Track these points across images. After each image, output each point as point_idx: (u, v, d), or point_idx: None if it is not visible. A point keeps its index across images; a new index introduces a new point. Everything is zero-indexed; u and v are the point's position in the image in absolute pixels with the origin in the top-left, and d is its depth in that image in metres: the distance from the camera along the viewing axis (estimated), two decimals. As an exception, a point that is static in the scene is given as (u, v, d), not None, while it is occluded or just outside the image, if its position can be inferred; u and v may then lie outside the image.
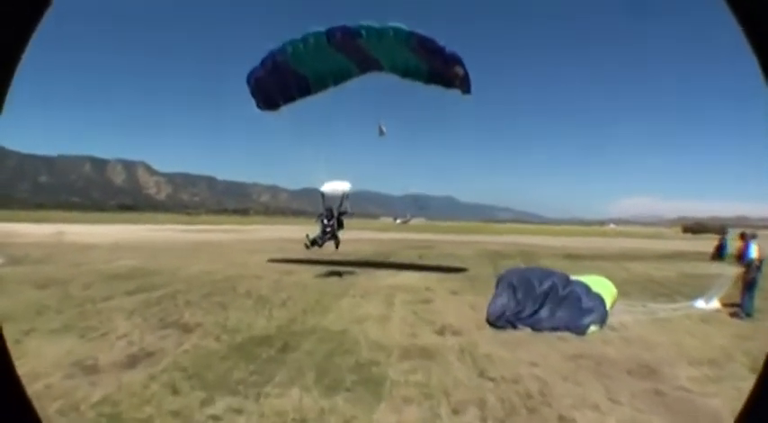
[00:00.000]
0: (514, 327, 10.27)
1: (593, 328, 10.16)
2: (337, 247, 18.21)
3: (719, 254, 29.60)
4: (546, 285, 11.08)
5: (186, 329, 9.59)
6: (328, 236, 17.50)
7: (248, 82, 17.43)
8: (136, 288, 14.06)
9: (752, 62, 1.57)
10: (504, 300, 10.96)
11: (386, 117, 17.34)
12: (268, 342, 8.78)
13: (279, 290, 14.81)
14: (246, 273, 18.45)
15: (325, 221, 17.70)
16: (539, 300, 10.85)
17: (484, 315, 10.94)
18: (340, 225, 18.03)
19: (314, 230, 18.26)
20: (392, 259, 25.24)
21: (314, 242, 17.57)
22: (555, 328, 10.07)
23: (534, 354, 8.47)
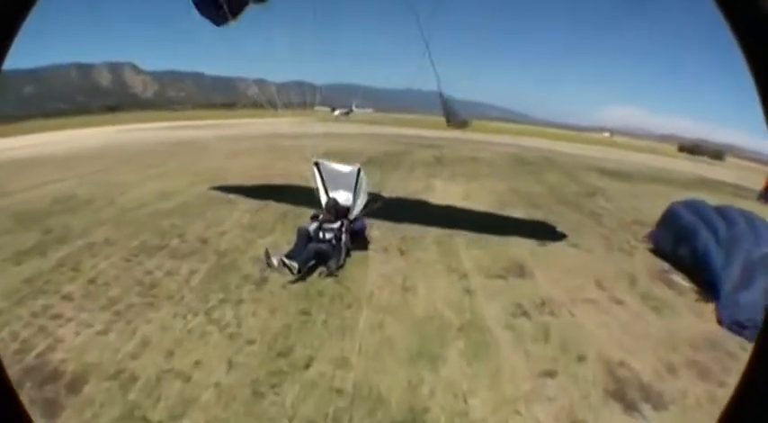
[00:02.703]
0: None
1: None
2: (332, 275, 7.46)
3: None
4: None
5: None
6: (340, 261, 7.61)
7: None
8: (35, 244, 8.62)
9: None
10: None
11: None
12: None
13: (259, 229, 9.57)
14: (215, 192, 12.99)
15: (327, 233, 7.91)
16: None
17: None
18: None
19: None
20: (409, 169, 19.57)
21: (298, 271, 7.12)
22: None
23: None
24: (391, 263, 7.83)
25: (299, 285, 6.77)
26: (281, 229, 9.70)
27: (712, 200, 16.62)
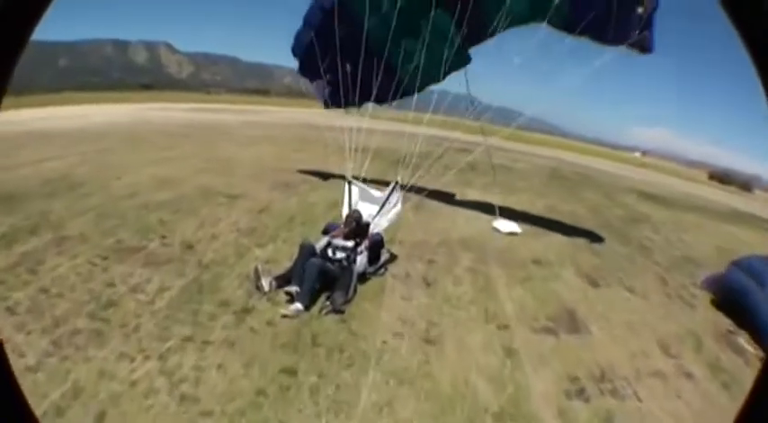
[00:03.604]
0: None
1: None
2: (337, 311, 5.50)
3: None
4: None
5: None
6: (349, 293, 5.75)
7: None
8: (5, 232, 7.21)
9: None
10: None
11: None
12: None
13: (258, 234, 8.01)
14: (219, 185, 11.33)
15: (338, 252, 6.30)
16: None
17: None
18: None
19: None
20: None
21: (293, 299, 5.48)
22: None
23: None
24: (413, 299, 6.09)
25: (290, 323, 5.13)
26: (284, 236, 8.09)
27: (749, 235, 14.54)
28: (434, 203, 11.31)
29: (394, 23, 8.35)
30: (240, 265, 6.54)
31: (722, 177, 58.45)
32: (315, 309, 5.50)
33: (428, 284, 6.62)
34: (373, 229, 7.00)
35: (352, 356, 4.60)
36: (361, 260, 6.30)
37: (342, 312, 5.41)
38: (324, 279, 5.77)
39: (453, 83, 10.29)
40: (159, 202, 9.47)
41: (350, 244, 6.30)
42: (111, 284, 5.77)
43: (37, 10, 1.23)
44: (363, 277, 6.41)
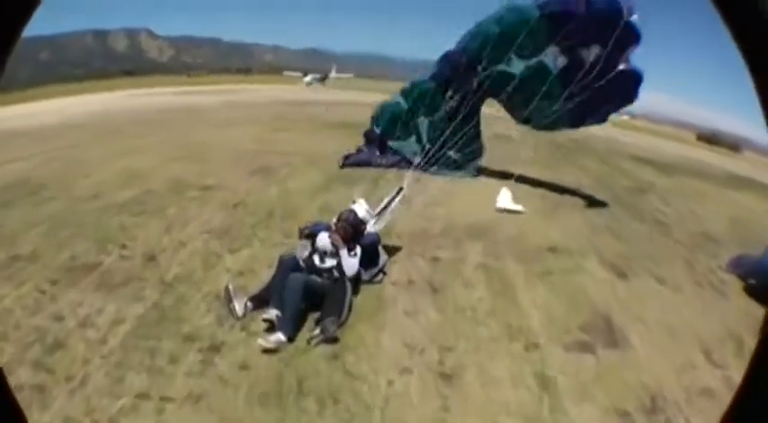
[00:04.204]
0: None
1: None
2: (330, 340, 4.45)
3: None
4: None
5: None
6: (342, 314, 4.70)
7: None
8: None
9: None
10: None
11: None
12: None
13: (233, 235, 6.92)
14: (191, 175, 10.14)
15: (326, 260, 5.25)
16: None
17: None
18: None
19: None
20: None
21: (273, 325, 4.49)
22: None
23: None
24: (420, 314, 5.02)
25: (269, 363, 4.08)
26: (262, 236, 7.00)
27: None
28: (432, 181, 10.26)
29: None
30: (209, 281, 5.45)
31: (710, 138, 57.43)
32: (301, 335, 4.47)
33: (435, 291, 5.57)
34: (368, 229, 5.93)
35: (349, 408, 3.57)
36: (353, 263, 5.19)
37: (335, 340, 4.36)
38: (310, 297, 4.71)
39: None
40: (123, 202, 8.33)
41: (342, 250, 5.20)
42: (60, 318, 4.71)
43: (27, 9, 1.20)
44: (357, 285, 5.35)
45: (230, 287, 4.80)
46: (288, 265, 4.90)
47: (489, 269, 6.29)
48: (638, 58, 8.52)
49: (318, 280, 4.91)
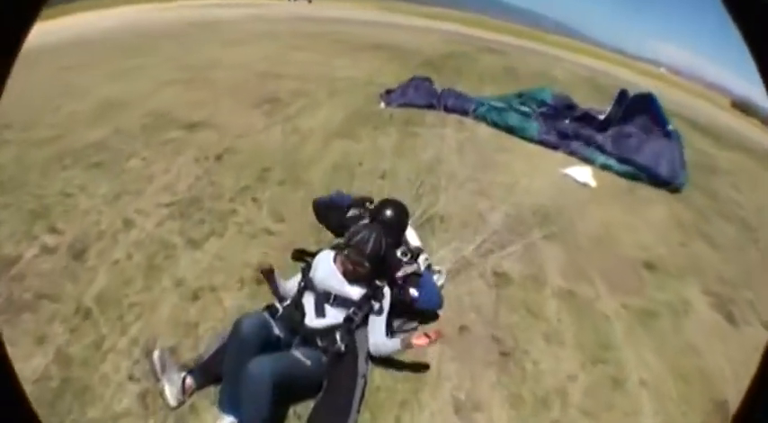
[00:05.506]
0: None
1: None
2: None
3: None
4: None
5: None
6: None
7: None
8: None
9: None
10: None
11: None
12: None
13: (200, 212, 4.76)
14: (180, 105, 7.82)
15: (332, 311, 2.96)
16: None
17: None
18: None
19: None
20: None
21: None
22: None
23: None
24: (483, 410, 2.83)
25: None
26: (243, 213, 4.86)
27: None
28: (479, 130, 7.76)
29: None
30: (144, 311, 3.40)
31: (744, 108, 50.09)
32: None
33: (504, 355, 3.31)
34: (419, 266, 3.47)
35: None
36: (379, 327, 2.96)
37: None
38: (287, 394, 2.62)
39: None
40: (82, 148, 6.28)
41: (356, 293, 2.97)
42: None
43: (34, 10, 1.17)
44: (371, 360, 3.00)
45: (156, 356, 2.71)
46: (249, 337, 2.61)
47: (576, 302, 3.95)
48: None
49: (306, 362, 2.66)
